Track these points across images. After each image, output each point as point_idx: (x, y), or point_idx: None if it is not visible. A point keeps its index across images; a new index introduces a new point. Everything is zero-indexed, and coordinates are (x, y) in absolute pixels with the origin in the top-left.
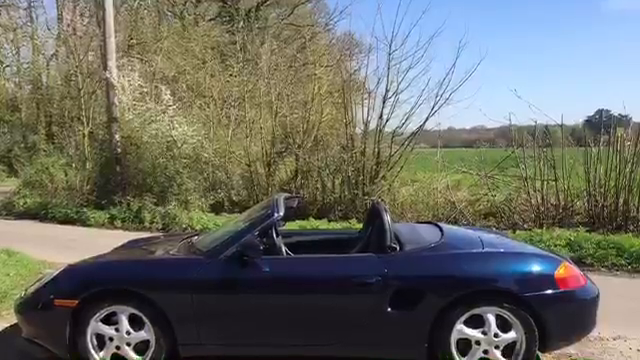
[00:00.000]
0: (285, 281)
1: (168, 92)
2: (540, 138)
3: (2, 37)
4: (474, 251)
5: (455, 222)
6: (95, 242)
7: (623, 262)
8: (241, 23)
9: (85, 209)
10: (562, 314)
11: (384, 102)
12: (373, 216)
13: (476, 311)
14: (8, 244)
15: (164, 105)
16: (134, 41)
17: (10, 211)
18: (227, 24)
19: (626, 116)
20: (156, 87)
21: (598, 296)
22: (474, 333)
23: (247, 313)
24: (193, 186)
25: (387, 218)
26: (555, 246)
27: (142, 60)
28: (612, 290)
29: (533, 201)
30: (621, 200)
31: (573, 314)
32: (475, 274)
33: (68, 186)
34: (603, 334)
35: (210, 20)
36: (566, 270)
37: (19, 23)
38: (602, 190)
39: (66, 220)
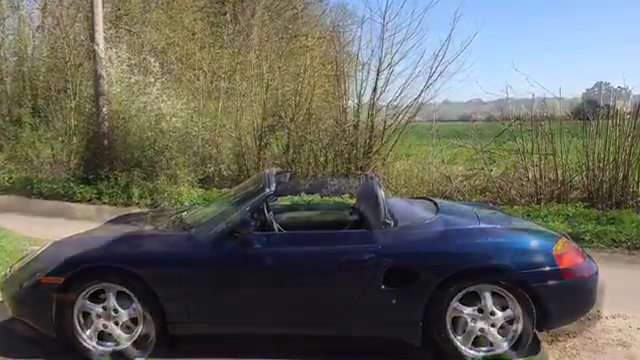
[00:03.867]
0: (276, 258)
1: (157, 64)
2: (537, 112)
3: None
4: (470, 227)
5: (450, 197)
6: (82, 217)
7: (622, 239)
8: None
9: (72, 184)
10: (560, 292)
11: (378, 74)
12: (366, 191)
13: (472, 289)
14: None
15: (153, 77)
16: (122, 12)
17: None
18: None
19: (626, 88)
20: (144, 59)
21: (597, 273)
22: (470, 311)
23: (237, 291)
24: (182, 160)
25: (381, 193)
26: (553, 222)
27: (130, 32)
28: (612, 267)
29: (530, 176)
30: (620, 175)
31: (572, 292)
32: (471, 251)
33: (54, 161)
34: (602, 312)
35: None
36: (564, 247)
37: None
38: (601, 165)
39: (52, 195)
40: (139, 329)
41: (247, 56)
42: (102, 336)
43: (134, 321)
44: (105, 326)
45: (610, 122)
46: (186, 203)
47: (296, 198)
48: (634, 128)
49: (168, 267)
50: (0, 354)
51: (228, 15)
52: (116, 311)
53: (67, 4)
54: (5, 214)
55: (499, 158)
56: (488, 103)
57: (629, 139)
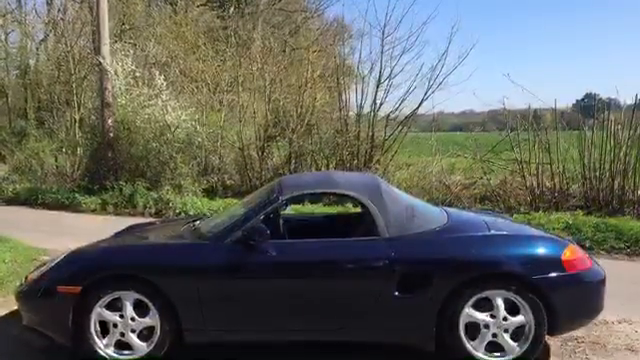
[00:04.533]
0: (292, 265)
1: (162, 77)
2: (534, 121)
3: None
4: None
5: (450, 206)
6: (88, 228)
7: (622, 245)
8: (232, 9)
9: (76, 194)
10: (570, 297)
11: (378, 87)
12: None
13: (480, 291)
14: None
15: (157, 90)
16: (126, 26)
17: None
18: (218, 9)
19: (615, 100)
20: (149, 72)
21: (605, 278)
22: (482, 316)
23: (253, 298)
24: (186, 171)
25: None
26: (553, 229)
27: (135, 45)
28: (613, 273)
29: (528, 184)
30: (617, 183)
31: (581, 297)
32: (479, 253)
33: (58, 171)
34: (608, 317)
35: (201, 5)
36: (572, 253)
37: (8, 9)
38: (597, 173)
39: (57, 206)
40: (156, 337)
41: (248, 68)
42: (119, 345)
43: (151, 330)
44: (122, 334)
45: (604, 133)
46: (190, 212)
47: (299, 207)
48: (628, 138)
49: (184, 275)
50: None
51: (229, 29)
52: (133, 319)
53: (71, 18)
54: (11, 224)
55: (497, 167)
56: (480, 114)
57: (624, 149)
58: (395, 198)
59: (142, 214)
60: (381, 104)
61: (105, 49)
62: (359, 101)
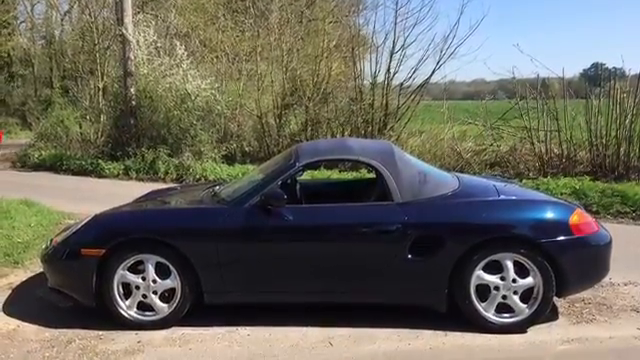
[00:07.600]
0: (308, 229)
1: (182, 47)
2: (542, 90)
3: None
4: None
5: (461, 172)
6: (111, 193)
7: (628, 210)
8: None
9: (100, 160)
10: (577, 260)
11: (391, 56)
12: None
13: (490, 254)
14: (26, 195)
15: (178, 60)
16: None
17: (25, 163)
18: None
19: (621, 69)
20: (170, 42)
21: (611, 242)
22: (492, 278)
23: (271, 261)
24: (206, 137)
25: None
26: (561, 194)
27: (156, 16)
28: (619, 237)
29: (537, 150)
30: (622, 150)
31: (588, 259)
32: (490, 217)
33: (83, 138)
34: (614, 279)
35: None
36: (580, 217)
37: None
38: (603, 140)
39: (81, 171)
40: (177, 299)
41: (266, 39)
42: (141, 306)
43: (172, 292)
44: (144, 296)
45: (610, 101)
46: (210, 178)
47: (315, 172)
48: (634, 106)
49: (204, 239)
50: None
51: (247, 0)
52: (155, 282)
53: None
54: (37, 189)
55: (507, 135)
56: (490, 83)
57: (629, 116)
58: (408, 164)
59: (163, 180)
60: (395, 73)
61: (128, 20)
62: (373, 70)
